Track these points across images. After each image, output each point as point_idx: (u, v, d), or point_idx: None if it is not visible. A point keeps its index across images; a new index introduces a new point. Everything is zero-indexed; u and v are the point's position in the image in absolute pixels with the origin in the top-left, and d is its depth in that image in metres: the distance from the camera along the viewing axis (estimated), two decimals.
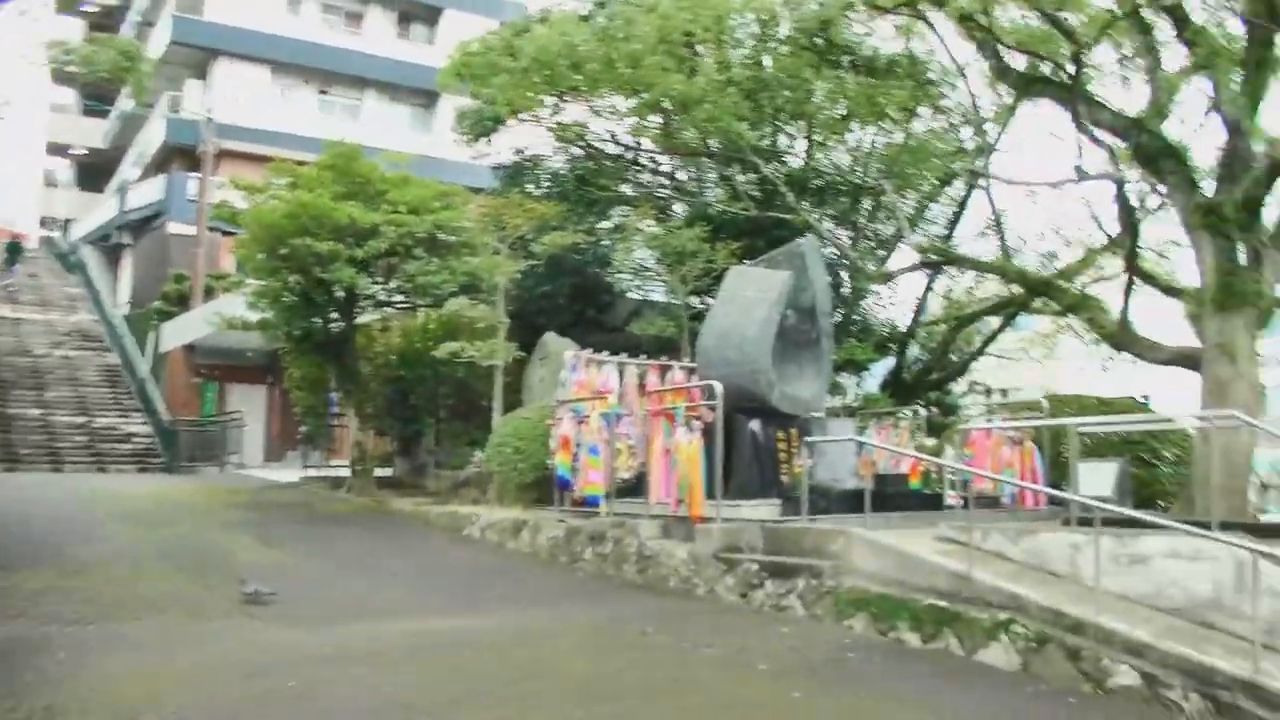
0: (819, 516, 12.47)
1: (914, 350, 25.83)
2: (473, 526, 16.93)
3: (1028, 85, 14.14)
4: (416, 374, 23.52)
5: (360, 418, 22.90)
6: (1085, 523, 12.72)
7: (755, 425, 14.65)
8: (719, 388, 13.18)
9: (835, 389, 20.56)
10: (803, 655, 9.00)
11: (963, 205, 22.12)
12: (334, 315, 22.48)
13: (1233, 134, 12.90)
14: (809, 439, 12.89)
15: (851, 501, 14.12)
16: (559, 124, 21.33)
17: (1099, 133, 14.37)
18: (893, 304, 25.51)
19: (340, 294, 21.68)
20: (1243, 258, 13.00)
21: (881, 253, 23.24)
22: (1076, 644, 8.54)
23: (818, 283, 16.21)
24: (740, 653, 9.04)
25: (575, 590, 12.55)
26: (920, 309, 23.88)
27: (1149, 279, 17.21)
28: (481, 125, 24.18)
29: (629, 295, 24.95)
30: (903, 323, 25.47)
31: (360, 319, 24.57)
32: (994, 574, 9.90)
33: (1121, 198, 14.12)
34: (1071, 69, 13.44)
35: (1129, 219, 14.16)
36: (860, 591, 10.31)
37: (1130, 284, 14.85)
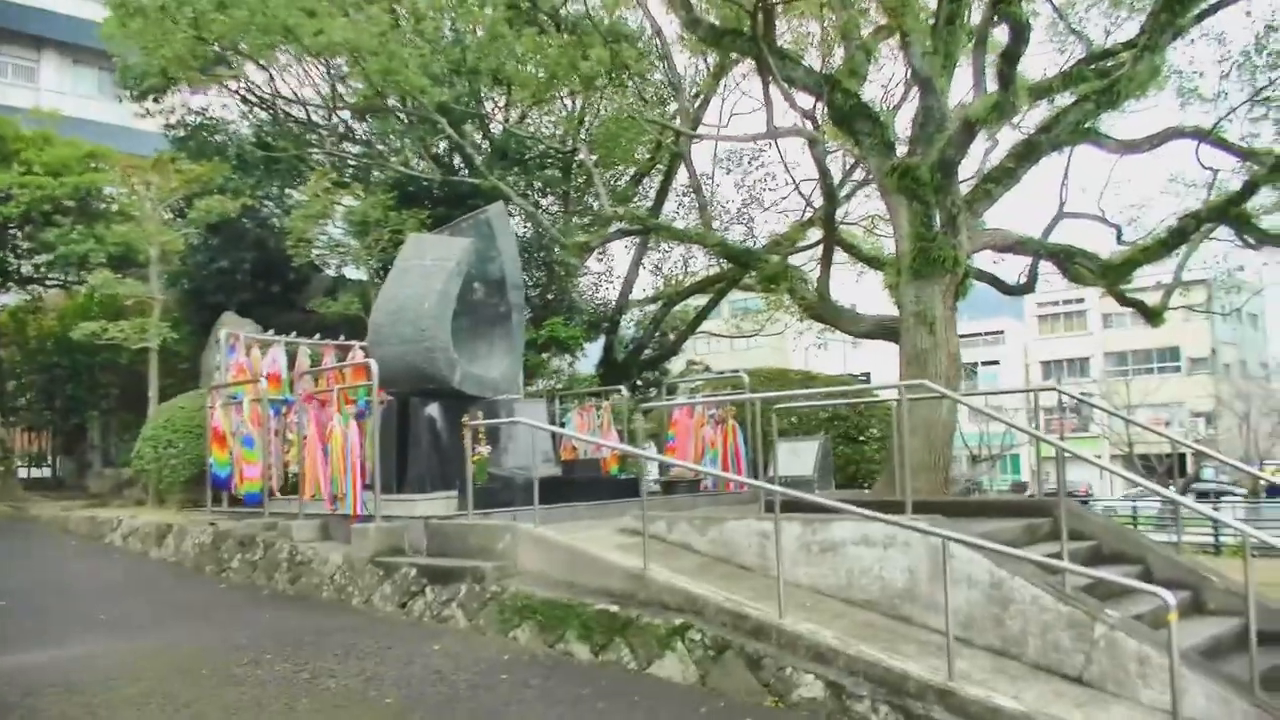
0: (493, 510, 11.08)
1: (632, 330, 24.86)
2: (114, 533, 14.61)
3: (719, 38, 13.16)
4: (74, 360, 20.63)
5: (2, 411, 19.78)
6: (784, 507, 11.94)
7: (433, 409, 13.07)
8: (375, 366, 11.53)
9: (542, 369, 19.25)
10: (446, 681, 7.52)
11: (668, 176, 21.22)
12: None
13: (925, 93, 12.33)
14: (474, 423, 11.41)
15: (541, 491, 12.87)
16: (217, 75, 18.75)
17: (798, 95, 13.60)
18: (609, 282, 24.46)
19: None
20: (939, 224, 12.44)
21: (596, 226, 22.05)
22: (758, 650, 7.43)
23: (506, 252, 14.76)
24: (369, 681, 7.47)
25: (207, 606, 10.60)
26: (628, 285, 22.86)
27: (851, 249, 16.75)
28: (145, 81, 21.29)
29: (327, 272, 22.78)
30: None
31: (4, 299, 21.46)
32: (673, 571, 8.75)
33: (816, 158, 13.36)
34: (760, 21, 12.53)
35: (825, 182, 13.42)
36: (526, 597, 8.91)
37: (829, 252, 14.16)
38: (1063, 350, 70.91)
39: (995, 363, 75.70)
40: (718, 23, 13.41)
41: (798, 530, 8.82)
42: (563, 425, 16.84)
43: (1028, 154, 12.71)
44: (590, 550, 8.98)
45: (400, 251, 14.61)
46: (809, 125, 14.28)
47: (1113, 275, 13.52)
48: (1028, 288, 16.34)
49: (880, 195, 13.22)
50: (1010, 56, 10.65)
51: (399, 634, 9.09)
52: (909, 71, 12.69)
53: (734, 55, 16.27)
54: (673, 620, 7.92)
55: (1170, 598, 5.92)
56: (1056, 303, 70.28)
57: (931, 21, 11.99)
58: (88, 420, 21.50)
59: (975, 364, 77.88)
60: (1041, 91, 13.55)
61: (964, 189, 13.53)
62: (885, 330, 13.78)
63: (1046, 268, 15.98)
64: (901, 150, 13.50)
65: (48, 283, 20.66)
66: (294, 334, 15.72)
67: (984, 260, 17.24)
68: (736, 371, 15.42)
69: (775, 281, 14.59)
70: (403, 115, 20.24)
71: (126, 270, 18.62)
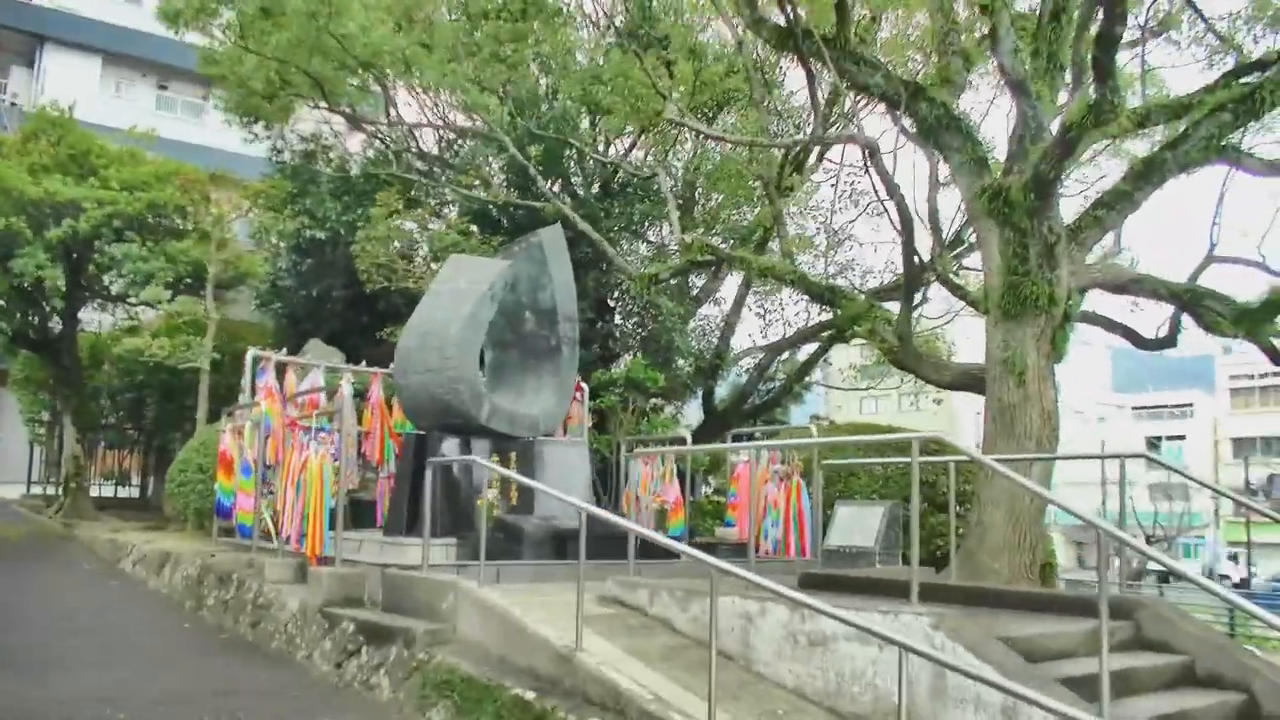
0: (476, 564, 9.56)
1: (745, 378, 23.05)
2: (128, 558, 13.81)
3: (784, 39, 11.45)
4: (159, 380, 20.22)
5: (79, 427, 19.49)
6: (817, 584, 10.06)
7: (450, 446, 11.73)
8: (346, 389, 10.28)
9: (621, 412, 17.68)
10: None
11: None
12: (50, 310, 19.21)
13: (1019, 98, 10.34)
14: (435, 460, 9.98)
15: (554, 545, 11.33)
16: (290, 100, 17.94)
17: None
18: (715, 328, 22.71)
19: (57, 286, 18.26)
20: (1035, 256, 10.41)
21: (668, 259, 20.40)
22: None
23: (558, 280, 13.38)
24: None
25: (140, 650, 9.42)
26: (729, 329, 21.14)
27: (956, 289, 14.73)
28: (248, 104, 20.79)
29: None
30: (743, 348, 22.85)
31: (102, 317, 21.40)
32: (625, 654, 7.10)
33: (879, 170, 11.46)
34: (834, 21, 10.84)
35: (896, 198, 11.48)
36: (449, 670, 7.36)
37: (909, 287, 12.18)
38: (1258, 427, 65.00)
39: (1181, 438, 70.23)
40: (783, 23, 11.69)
41: (784, 616, 7.05)
42: (625, 475, 15.32)
43: (1147, 174, 10.53)
44: (523, 621, 7.37)
45: (438, 273, 13.45)
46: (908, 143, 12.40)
47: (1249, 321, 11.10)
48: (1167, 341, 13.90)
49: (969, 222, 11.26)
50: (1106, 41, 8.61)
51: (307, 702, 7.68)
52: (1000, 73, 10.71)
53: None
54: None
55: None
56: (1252, 375, 64.63)
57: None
58: (168, 440, 21.10)
59: (1159, 438, 72.62)
60: (1179, 109, 11.36)
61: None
62: (973, 380, 11.74)
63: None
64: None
65: (131, 301, 20.33)
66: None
67: (1117, 308, 14.91)
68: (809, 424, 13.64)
69: (857, 322, 12.75)
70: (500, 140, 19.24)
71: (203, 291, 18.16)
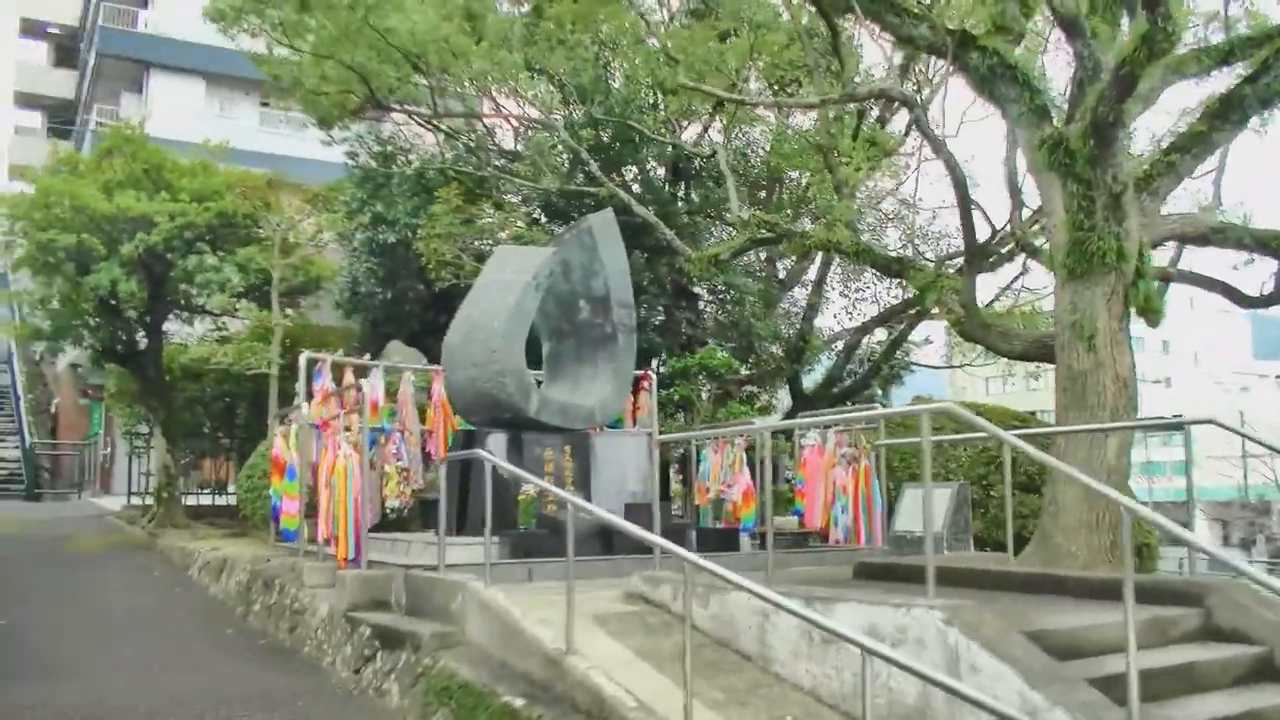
0: (526, 561, 9.25)
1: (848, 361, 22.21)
2: (195, 565, 13.85)
3: None
4: (245, 386, 20.42)
5: (168, 438, 19.78)
6: (873, 574, 9.43)
7: (498, 441, 11.36)
8: (366, 387, 9.95)
9: (692, 401, 17.12)
10: None
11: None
12: (135, 324, 19.54)
13: (1072, 38, 9.46)
14: (452, 455, 9.61)
15: (601, 540, 10.90)
16: (345, 98, 17.72)
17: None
18: (803, 310, 21.96)
19: (136, 298, 18.44)
20: (1100, 208, 9.53)
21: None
22: None
23: (611, 266, 12.92)
24: None
25: (165, 655, 9.26)
26: (812, 310, 20.34)
27: (1035, 254, 13.78)
28: (327, 108, 20.85)
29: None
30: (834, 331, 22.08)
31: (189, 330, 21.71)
32: (636, 655, 6.63)
33: (922, 125, 10.64)
34: None
35: (944, 156, 10.67)
36: (450, 675, 6.97)
37: (971, 251, 11.35)
38: None
39: None
40: None
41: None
42: (698, 464, 14.79)
43: (1225, 111, 9.55)
44: (521, 623, 6.92)
45: (485, 265, 13.12)
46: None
47: None
48: (1274, 298, 12.74)
49: (1030, 173, 10.41)
50: None
51: (315, 709, 7.39)
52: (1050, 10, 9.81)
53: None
54: None
55: None
56: None
57: None
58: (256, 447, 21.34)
59: None
60: (1265, 41, 10.29)
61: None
62: (1044, 349, 10.87)
63: None
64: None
65: (213, 312, 20.53)
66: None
67: (1219, 264, 13.77)
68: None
69: (925, 293, 11.98)
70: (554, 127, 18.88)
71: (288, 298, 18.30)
